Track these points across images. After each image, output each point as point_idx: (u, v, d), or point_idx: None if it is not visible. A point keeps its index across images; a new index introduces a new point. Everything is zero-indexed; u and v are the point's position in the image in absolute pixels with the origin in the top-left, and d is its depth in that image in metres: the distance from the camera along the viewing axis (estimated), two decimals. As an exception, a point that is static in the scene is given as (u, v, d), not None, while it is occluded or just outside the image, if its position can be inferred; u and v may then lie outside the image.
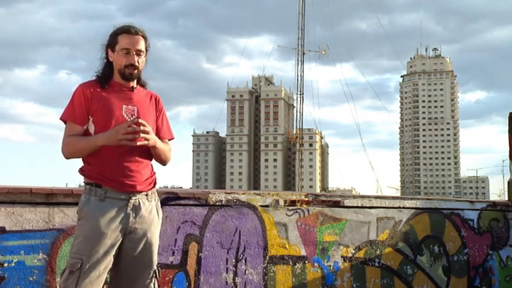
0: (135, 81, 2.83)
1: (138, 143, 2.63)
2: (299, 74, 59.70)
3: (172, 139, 2.97)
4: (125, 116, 2.71)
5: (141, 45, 2.77)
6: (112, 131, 2.61)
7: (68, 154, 2.69)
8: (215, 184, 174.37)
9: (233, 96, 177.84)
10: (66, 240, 3.18)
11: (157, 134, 2.85)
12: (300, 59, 60.07)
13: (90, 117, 2.70)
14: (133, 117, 2.72)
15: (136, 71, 2.76)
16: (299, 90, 59.32)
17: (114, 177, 2.65)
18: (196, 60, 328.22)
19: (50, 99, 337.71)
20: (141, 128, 2.61)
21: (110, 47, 2.77)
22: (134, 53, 2.74)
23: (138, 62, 2.75)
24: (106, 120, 2.68)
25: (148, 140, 2.65)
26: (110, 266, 2.64)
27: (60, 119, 2.73)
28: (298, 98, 59.68)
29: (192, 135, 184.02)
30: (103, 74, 2.78)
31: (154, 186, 2.83)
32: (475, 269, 4.90)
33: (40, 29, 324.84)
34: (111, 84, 2.77)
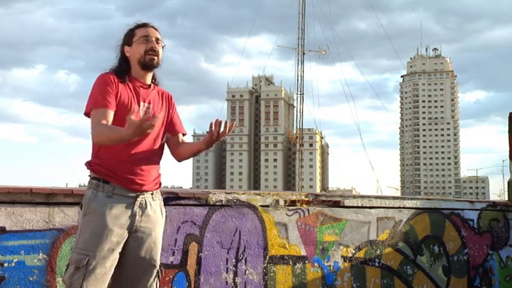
0: (151, 78, 2.82)
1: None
2: (299, 74, 59.82)
3: (185, 135, 2.99)
4: (141, 113, 2.69)
5: (159, 35, 2.79)
6: (133, 126, 2.36)
7: (98, 141, 2.60)
8: (215, 184, 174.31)
9: (233, 96, 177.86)
10: (66, 240, 3.18)
11: (174, 129, 2.88)
12: (300, 59, 60.21)
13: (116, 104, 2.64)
14: (148, 115, 2.72)
15: (156, 58, 2.74)
16: (299, 90, 59.44)
17: (124, 174, 2.64)
18: (195, 60, 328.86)
19: (49, 99, 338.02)
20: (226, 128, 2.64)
21: (127, 44, 2.77)
22: (154, 39, 2.75)
23: (157, 48, 2.75)
24: (123, 116, 2.60)
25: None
26: (115, 263, 2.63)
27: (86, 112, 2.65)
28: (298, 98, 59.79)
29: (192, 135, 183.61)
30: (121, 68, 2.75)
31: (159, 186, 2.84)
32: (475, 269, 4.90)
33: (39, 29, 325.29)
34: (129, 79, 2.75)
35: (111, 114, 2.62)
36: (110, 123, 2.60)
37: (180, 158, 2.90)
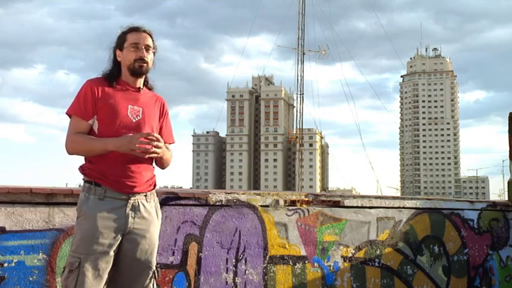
0: (142, 82, 2.85)
1: (147, 156, 2.65)
2: (299, 74, 59.83)
3: (173, 143, 2.99)
4: (130, 116, 2.72)
5: (149, 41, 2.81)
6: (125, 139, 2.60)
7: (72, 151, 2.69)
8: (215, 184, 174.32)
9: (233, 96, 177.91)
10: (66, 240, 3.18)
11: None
12: (299, 59, 60.21)
13: (94, 114, 2.70)
14: (138, 117, 2.75)
15: (145, 65, 2.77)
16: (299, 90, 59.45)
17: (115, 177, 2.66)
18: (195, 60, 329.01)
19: (48, 99, 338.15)
20: (155, 143, 2.63)
21: (118, 47, 2.80)
22: (143, 47, 2.77)
23: (147, 57, 2.77)
24: (111, 119, 2.68)
25: (158, 153, 2.68)
26: (110, 266, 2.64)
27: (66, 113, 2.74)
28: (298, 98, 59.80)
29: (192, 135, 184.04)
30: (111, 72, 2.79)
31: (154, 187, 2.84)
32: (475, 269, 4.90)
33: (38, 29, 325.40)
34: (119, 83, 2.78)
35: (86, 126, 2.70)
36: (83, 133, 2.70)
37: (157, 165, 2.90)
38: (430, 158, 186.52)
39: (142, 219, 2.72)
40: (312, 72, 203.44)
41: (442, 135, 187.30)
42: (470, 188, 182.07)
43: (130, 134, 2.62)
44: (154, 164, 2.87)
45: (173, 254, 3.56)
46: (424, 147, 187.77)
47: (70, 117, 2.74)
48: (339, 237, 4.24)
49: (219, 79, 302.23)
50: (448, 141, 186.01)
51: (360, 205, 4.40)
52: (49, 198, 3.20)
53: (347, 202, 4.35)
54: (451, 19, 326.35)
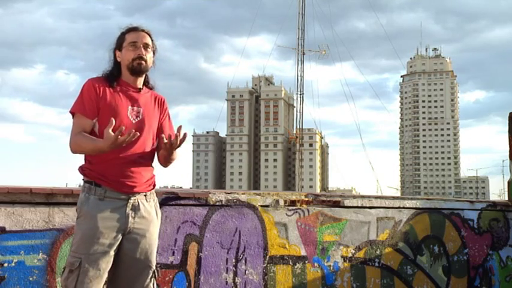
0: (142, 82, 2.84)
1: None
2: (299, 74, 59.91)
3: None
4: (130, 117, 2.73)
5: (148, 40, 2.81)
6: (110, 141, 2.49)
7: (75, 151, 2.68)
8: (215, 184, 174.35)
9: (233, 96, 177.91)
10: (66, 240, 3.18)
11: (161, 134, 2.87)
12: (299, 59, 60.29)
13: (98, 112, 2.69)
14: (138, 118, 2.75)
15: (144, 63, 2.77)
16: (299, 90, 59.54)
17: (115, 177, 2.66)
18: (195, 60, 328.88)
19: (48, 99, 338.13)
20: (177, 139, 2.67)
21: (118, 48, 2.80)
22: (141, 46, 2.77)
23: (145, 55, 2.77)
24: (111, 120, 2.67)
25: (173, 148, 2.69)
26: (110, 265, 2.64)
27: (70, 111, 2.73)
28: (298, 98, 59.89)
29: (192, 135, 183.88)
30: (111, 73, 2.79)
31: (153, 187, 2.84)
32: (475, 269, 4.90)
33: (38, 29, 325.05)
34: (119, 84, 2.78)
35: (90, 124, 2.69)
36: (87, 132, 2.68)
37: (160, 162, 2.89)
38: (430, 158, 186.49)
39: (142, 219, 2.73)
40: (312, 72, 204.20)
41: (442, 135, 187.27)
42: (470, 188, 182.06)
43: (111, 133, 2.49)
44: (157, 161, 2.87)
45: (173, 254, 3.56)
46: (424, 147, 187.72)
47: (73, 116, 2.72)
48: (339, 237, 4.24)
49: (219, 79, 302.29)
50: (448, 141, 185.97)
51: (360, 205, 4.40)
52: (49, 198, 3.20)
53: (347, 202, 4.35)
54: (451, 19, 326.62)
